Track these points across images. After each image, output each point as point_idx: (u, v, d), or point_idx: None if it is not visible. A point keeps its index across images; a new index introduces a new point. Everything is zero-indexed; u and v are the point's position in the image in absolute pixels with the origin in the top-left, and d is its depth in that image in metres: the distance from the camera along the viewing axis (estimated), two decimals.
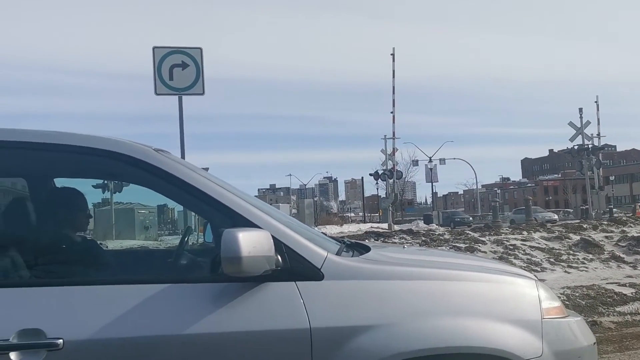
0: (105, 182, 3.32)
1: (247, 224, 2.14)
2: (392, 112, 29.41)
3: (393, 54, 29.14)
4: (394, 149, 31.11)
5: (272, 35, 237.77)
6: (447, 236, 12.67)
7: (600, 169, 32.92)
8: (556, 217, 38.04)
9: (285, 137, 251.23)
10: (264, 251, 2.01)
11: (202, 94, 8.15)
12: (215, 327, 2.02)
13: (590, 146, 31.27)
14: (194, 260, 2.64)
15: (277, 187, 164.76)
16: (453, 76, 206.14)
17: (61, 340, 1.91)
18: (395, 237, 12.80)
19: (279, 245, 2.12)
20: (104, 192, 3.54)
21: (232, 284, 2.07)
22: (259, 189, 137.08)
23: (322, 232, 3.20)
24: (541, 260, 10.43)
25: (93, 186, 2.96)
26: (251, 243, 1.98)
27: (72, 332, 1.93)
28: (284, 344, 2.05)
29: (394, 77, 29.06)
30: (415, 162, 55.28)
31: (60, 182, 2.69)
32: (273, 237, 2.07)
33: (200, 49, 8.17)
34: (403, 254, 2.95)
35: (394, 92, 29.05)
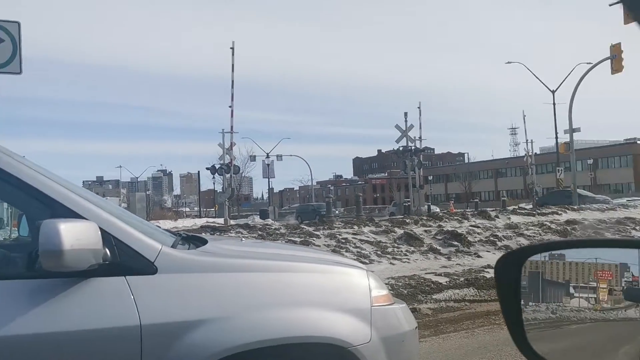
0: None
1: (71, 214, 1.95)
2: (230, 106, 29.12)
3: (233, 48, 28.88)
4: (232, 143, 30.80)
5: (106, 19, 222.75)
6: (282, 230, 12.92)
7: (421, 169, 35.99)
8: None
9: (115, 127, 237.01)
10: (90, 244, 1.85)
11: (20, 73, 7.34)
12: (32, 328, 1.81)
13: (413, 148, 34.06)
14: (7, 256, 2.35)
15: (105, 179, 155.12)
16: (292, 76, 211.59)
17: None
18: (232, 231, 12.75)
19: (108, 238, 1.97)
20: None
21: (52, 280, 1.88)
22: (84, 181, 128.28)
23: (156, 225, 3.05)
24: (370, 253, 11.11)
25: None
26: (74, 235, 1.81)
27: None
28: (112, 343, 1.91)
29: (233, 71, 28.79)
30: (252, 158, 55.67)
31: None
32: (101, 229, 1.92)
33: (18, 23, 7.34)
34: (240, 246, 2.93)
35: (232, 86, 28.81)
